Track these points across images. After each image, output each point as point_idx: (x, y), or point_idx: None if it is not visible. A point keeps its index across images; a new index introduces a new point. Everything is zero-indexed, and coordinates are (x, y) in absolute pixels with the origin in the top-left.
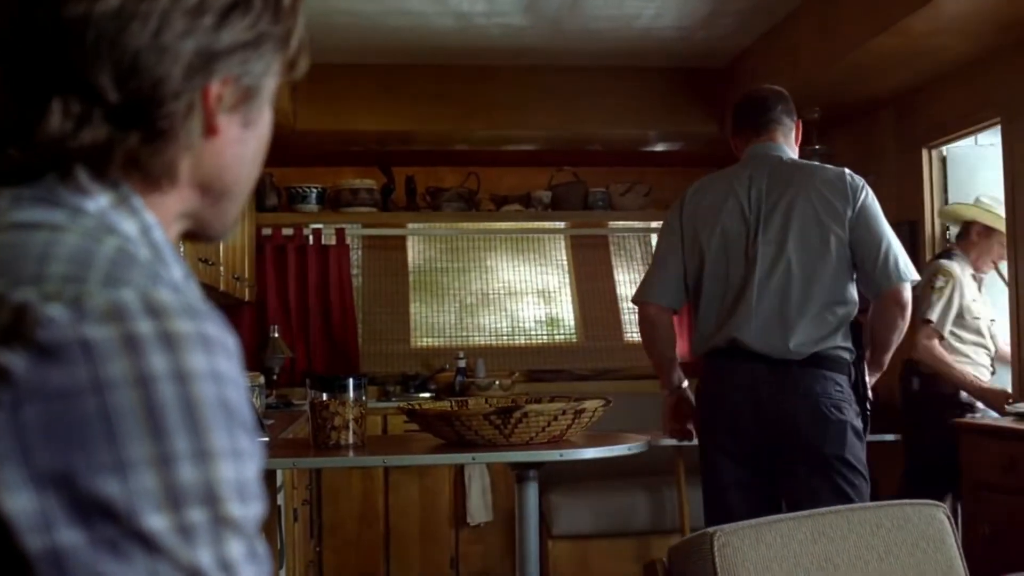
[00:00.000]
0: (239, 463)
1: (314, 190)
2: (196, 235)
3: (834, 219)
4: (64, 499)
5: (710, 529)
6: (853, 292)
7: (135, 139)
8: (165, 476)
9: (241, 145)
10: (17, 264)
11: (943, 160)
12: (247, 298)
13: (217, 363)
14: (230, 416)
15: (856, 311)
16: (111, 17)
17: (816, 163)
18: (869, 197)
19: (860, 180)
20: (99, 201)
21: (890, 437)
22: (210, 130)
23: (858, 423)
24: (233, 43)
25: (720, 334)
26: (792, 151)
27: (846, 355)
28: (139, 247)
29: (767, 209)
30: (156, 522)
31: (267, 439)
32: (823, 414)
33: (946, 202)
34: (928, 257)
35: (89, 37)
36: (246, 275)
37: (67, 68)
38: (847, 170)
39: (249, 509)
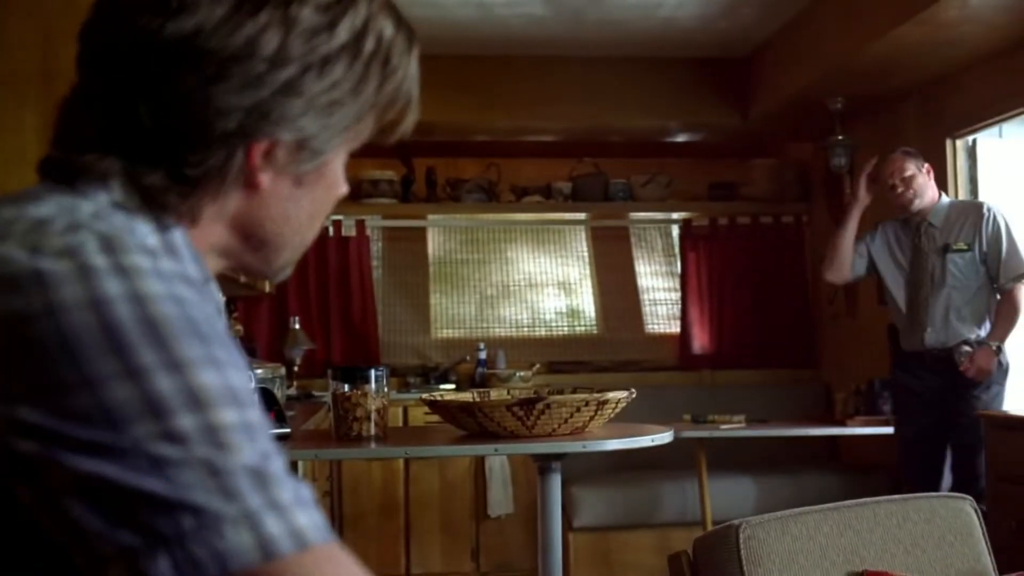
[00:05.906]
0: (221, 371)
1: None
2: (240, 272)
3: None
4: (8, 419)
5: (735, 521)
6: None
7: (160, 176)
8: (138, 387)
9: (290, 203)
10: None
11: (969, 150)
12: (267, 289)
13: (176, 289)
14: (197, 331)
15: None
16: (174, 43)
17: None
18: None
19: None
20: (115, 197)
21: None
22: (251, 184)
23: None
24: (297, 109)
25: None
26: None
27: None
28: (148, 238)
29: None
30: (140, 431)
31: (288, 431)
32: None
33: (973, 193)
34: None
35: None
36: None
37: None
38: None
39: (250, 415)
